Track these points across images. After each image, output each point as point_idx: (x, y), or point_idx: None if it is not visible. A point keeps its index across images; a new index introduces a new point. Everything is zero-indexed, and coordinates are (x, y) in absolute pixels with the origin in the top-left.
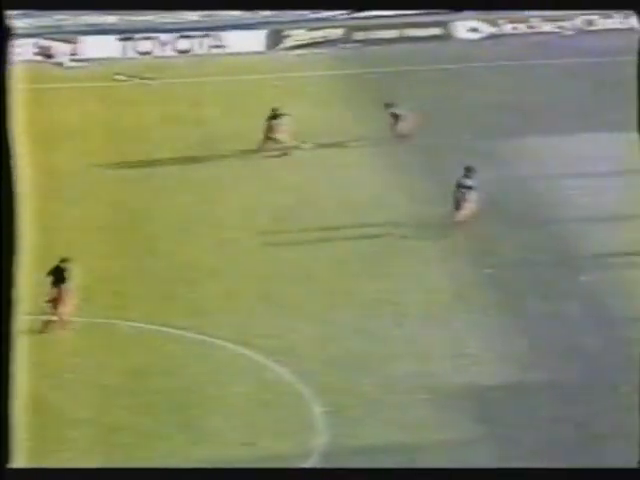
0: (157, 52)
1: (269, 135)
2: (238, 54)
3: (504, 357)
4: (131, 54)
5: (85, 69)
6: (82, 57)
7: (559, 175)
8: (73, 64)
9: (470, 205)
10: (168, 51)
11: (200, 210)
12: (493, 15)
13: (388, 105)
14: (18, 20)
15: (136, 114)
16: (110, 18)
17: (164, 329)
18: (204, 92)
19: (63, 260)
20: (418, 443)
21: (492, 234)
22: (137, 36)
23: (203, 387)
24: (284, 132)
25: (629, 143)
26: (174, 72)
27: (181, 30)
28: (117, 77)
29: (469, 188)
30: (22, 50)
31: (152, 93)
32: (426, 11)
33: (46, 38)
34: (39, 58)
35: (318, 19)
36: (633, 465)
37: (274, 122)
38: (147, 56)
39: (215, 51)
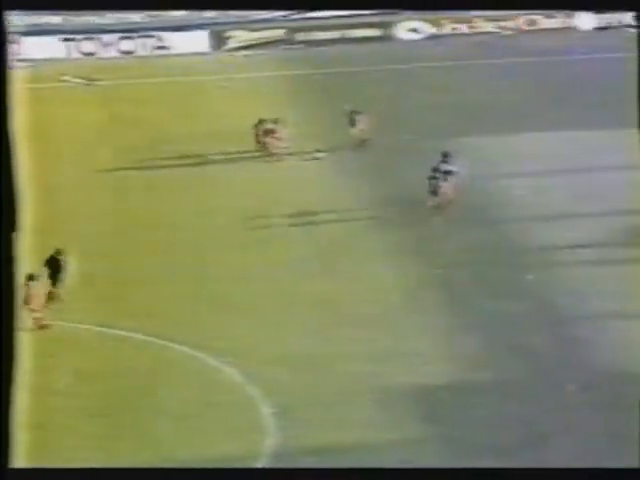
0: (101, 53)
1: (259, 141)
2: (182, 55)
3: (452, 357)
4: (75, 55)
5: (29, 70)
6: (25, 57)
7: (503, 174)
8: (15, 65)
9: (446, 190)
10: (112, 52)
11: (147, 212)
12: (435, 15)
13: (347, 109)
14: None
15: (82, 115)
16: (53, 18)
17: (113, 331)
18: (149, 93)
19: (58, 252)
20: (367, 443)
21: (439, 234)
22: (79, 37)
23: (152, 389)
24: (275, 139)
25: (571, 141)
26: (119, 73)
27: (123, 31)
28: (63, 78)
29: (447, 173)
30: None
31: (98, 94)
32: (368, 12)
33: None
34: None
35: (260, 20)
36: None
37: (262, 128)
38: (91, 57)
39: (159, 52)
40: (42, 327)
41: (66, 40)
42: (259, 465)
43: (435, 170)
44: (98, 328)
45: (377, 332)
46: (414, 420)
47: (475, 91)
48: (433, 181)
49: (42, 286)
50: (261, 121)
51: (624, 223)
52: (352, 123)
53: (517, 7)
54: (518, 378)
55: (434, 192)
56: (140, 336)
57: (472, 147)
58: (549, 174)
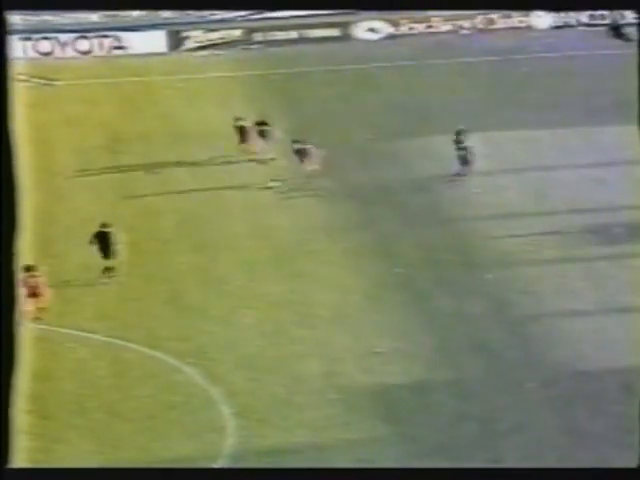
0: (58, 53)
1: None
2: (140, 55)
3: (411, 356)
4: (31, 54)
5: None
6: None
7: (457, 174)
8: None
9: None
10: (69, 52)
11: (102, 213)
12: (394, 15)
13: (295, 142)
14: None
15: (37, 115)
16: (11, 18)
17: (71, 332)
18: (106, 93)
19: (104, 224)
20: (326, 443)
21: (396, 234)
22: (36, 36)
23: (110, 390)
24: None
25: (526, 140)
26: (76, 73)
27: (80, 31)
28: (19, 77)
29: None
30: None
31: (53, 94)
32: (326, 12)
33: None
34: None
35: (216, 20)
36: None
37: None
38: (49, 57)
39: (116, 52)
40: (37, 319)
41: (23, 39)
42: (218, 465)
43: (458, 142)
44: (55, 329)
45: (336, 332)
46: (373, 419)
47: (430, 91)
48: (462, 152)
49: (42, 277)
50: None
51: (581, 221)
52: (301, 158)
53: (574, 8)
54: (477, 377)
55: (465, 162)
56: (99, 337)
57: (428, 147)
58: (505, 172)
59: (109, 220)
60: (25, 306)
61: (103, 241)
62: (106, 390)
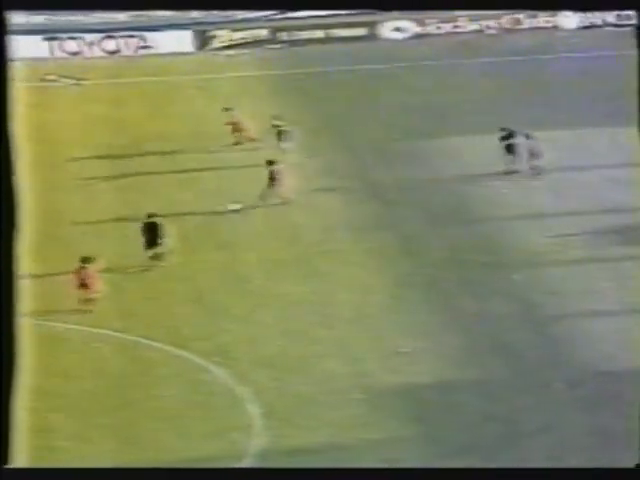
0: (86, 53)
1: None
2: (166, 55)
3: (436, 356)
4: (58, 54)
5: (12, 69)
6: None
7: (487, 174)
8: None
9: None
10: (96, 51)
11: (126, 213)
12: (420, 15)
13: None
14: None
15: (63, 115)
16: (35, 18)
17: (97, 331)
18: (131, 93)
19: (151, 214)
20: (351, 443)
21: (421, 234)
22: (63, 36)
23: (135, 389)
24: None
25: (553, 141)
26: (103, 73)
27: (107, 30)
28: (47, 77)
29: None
30: None
31: (81, 94)
32: (352, 11)
33: None
34: None
35: (243, 20)
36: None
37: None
38: (76, 57)
39: (143, 52)
40: (85, 310)
41: (49, 39)
42: (244, 465)
43: (505, 137)
44: (81, 328)
45: (360, 332)
46: (398, 419)
47: (455, 91)
48: (510, 145)
49: (96, 268)
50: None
51: (607, 221)
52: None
53: (575, 8)
54: (502, 377)
55: (512, 152)
56: (126, 336)
57: (454, 147)
58: (529, 173)
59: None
60: (78, 296)
61: (151, 231)
62: (130, 389)
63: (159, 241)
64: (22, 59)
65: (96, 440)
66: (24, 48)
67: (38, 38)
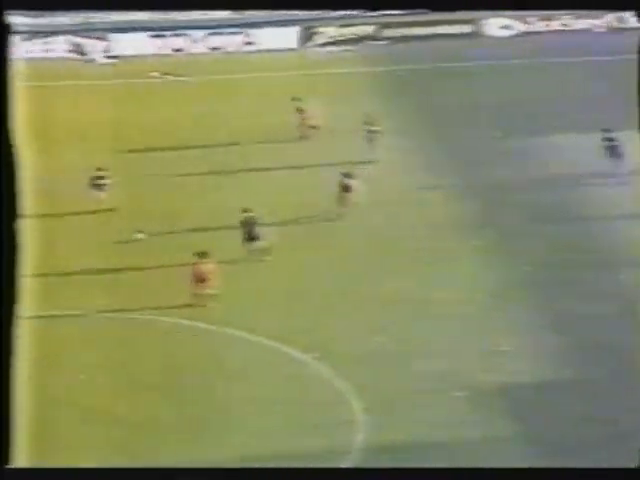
0: (190, 49)
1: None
2: (270, 51)
3: (536, 355)
4: (163, 51)
5: (117, 66)
6: (114, 54)
7: (591, 173)
8: (106, 61)
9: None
10: (200, 48)
11: (231, 207)
12: (522, 13)
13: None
14: (51, 18)
15: (169, 111)
16: (141, 15)
17: (200, 325)
18: (236, 89)
19: (246, 209)
20: (452, 441)
21: (526, 233)
22: (168, 33)
23: (239, 383)
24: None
25: None
26: (207, 69)
27: (212, 27)
28: (151, 74)
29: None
30: (55, 47)
31: (185, 90)
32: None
33: (78, 35)
34: (72, 55)
35: (348, 16)
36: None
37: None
38: (180, 53)
39: (247, 48)
40: (202, 305)
41: (155, 37)
42: (348, 461)
43: (608, 138)
44: (184, 322)
45: (461, 330)
46: (497, 418)
47: (562, 88)
48: (612, 145)
49: (212, 264)
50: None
51: None
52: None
53: (577, 7)
54: (603, 378)
55: (615, 154)
56: (229, 330)
57: (556, 145)
58: (636, 172)
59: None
60: (193, 291)
61: (249, 226)
62: (231, 383)
63: (258, 236)
64: (127, 56)
65: (200, 434)
66: (129, 45)
67: (144, 35)
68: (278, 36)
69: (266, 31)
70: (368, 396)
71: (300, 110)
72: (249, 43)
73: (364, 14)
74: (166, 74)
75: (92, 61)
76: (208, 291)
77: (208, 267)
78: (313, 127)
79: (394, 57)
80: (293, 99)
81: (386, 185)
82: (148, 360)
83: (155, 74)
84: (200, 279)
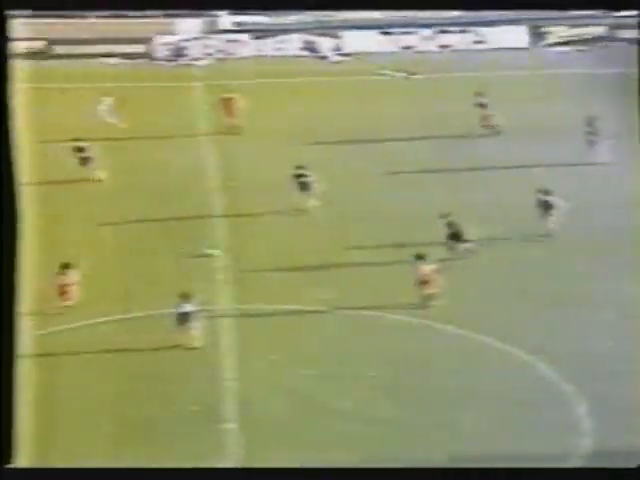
0: (419, 47)
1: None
2: (500, 50)
3: None
4: (393, 49)
5: (349, 63)
6: (346, 51)
7: None
8: (337, 58)
9: None
10: (430, 46)
11: (431, 206)
12: None
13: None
14: (284, 17)
15: (397, 107)
16: (372, 14)
17: (426, 322)
18: (464, 87)
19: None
20: None
21: None
22: (397, 31)
23: (459, 382)
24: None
25: None
26: (435, 67)
27: (441, 25)
28: (381, 71)
29: None
30: (287, 45)
31: (413, 87)
32: None
33: (311, 33)
34: (304, 53)
35: (579, 16)
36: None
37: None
38: (409, 51)
39: (476, 47)
40: (426, 305)
41: (384, 34)
42: (569, 465)
43: None
44: (411, 319)
45: None
46: None
47: None
48: None
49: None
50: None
51: None
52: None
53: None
54: None
55: None
56: (451, 328)
57: None
58: None
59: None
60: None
61: (453, 226)
62: (456, 382)
63: (462, 237)
64: (357, 54)
65: (423, 432)
66: (359, 43)
67: (374, 32)
68: (509, 35)
69: (496, 30)
70: (592, 400)
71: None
72: (479, 42)
73: (595, 14)
74: (395, 71)
75: (324, 58)
76: (430, 291)
77: (429, 268)
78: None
79: (629, 59)
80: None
81: (611, 187)
82: (373, 356)
83: (385, 71)
84: (423, 281)
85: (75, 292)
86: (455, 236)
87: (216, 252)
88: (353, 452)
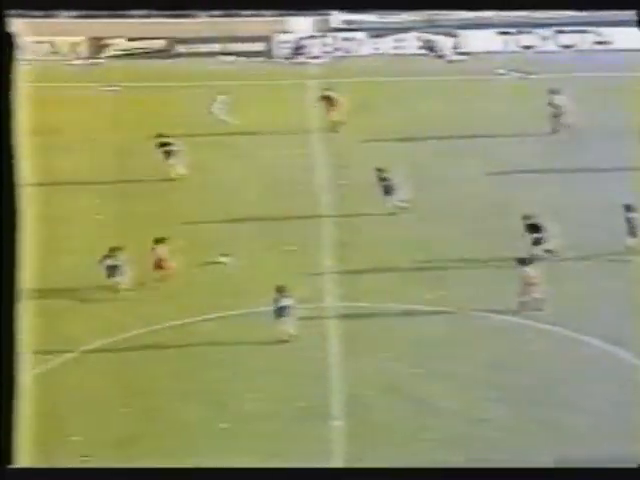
0: (540, 47)
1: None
2: (624, 51)
3: None
4: (512, 48)
5: (467, 62)
6: (464, 50)
7: None
8: (456, 57)
9: None
10: (550, 46)
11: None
12: None
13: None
14: (402, 15)
15: (511, 107)
16: (487, 13)
17: (528, 322)
18: (584, 88)
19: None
20: None
21: None
22: (515, 30)
23: (566, 384)
24: None
25: None
26: (553, 67)
27: (560, 25)
28: (497, 71)
29: None
30: (406, 44)
31: (529, 87)
32: None
33: (428, 32)
34: (422, 51)
35: None
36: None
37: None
38: (529, 50)
39: (598, 47)
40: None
41: (502, 33)
42: None
43: None
44: (512, 319)
45: None
46: None
47: None
48: None
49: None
50: None
51: None
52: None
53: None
54: None
55: None
56: (559, 329)
57: None
58: None
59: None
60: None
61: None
62: (562, 384)
63: (542, 240)
64: (476, 53)
65: (526, 433)
66: (478, 42)
67: (492, 32)
68: (632, 36)
69: (621, 30)
70: None
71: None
72: (601, 42)
73: None
74: (512, 71)
75: (442, 57)
76: (535, 295)
77: (533, 272)
78: None
79: None
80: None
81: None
82: (480, 356)
83: (501, 71)
84: (528, 283)
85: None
86: (540, 238)
87: (226, 260)
88: (459, 452)
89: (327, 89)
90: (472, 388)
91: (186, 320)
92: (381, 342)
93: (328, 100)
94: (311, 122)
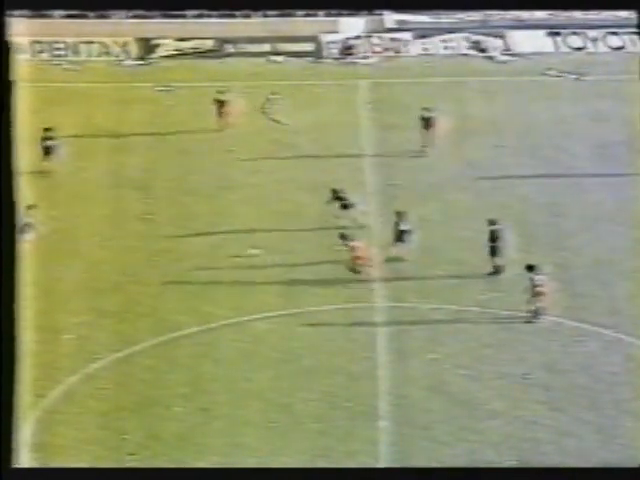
0: (590, 48)
1: None
2: None
3: None
4: (562, 49)
5: (516, 63)
6: (513, 51)
7: None
8: (504, 58)
9: None
10: (600, 47)
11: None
12: None
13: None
14: (451, 16)
15: (554, 109)
16: (537, 14)
17: (581, 325)
18: (629, 90)
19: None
20: None
21: None
22: (565, 31)
23: (618, 386)
24: None
25: None
26: (605, 69)
27: (610, 26)
28: (547, 72)
29: None
30: (454, 44)
31: (580, 89)
32: None
33: (477, 33)
34: (471, 52)
35: None
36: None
37: None
38: (580, 52)
39: None
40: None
41: (551, 34)
42: None
43: None
44: (565, 321)
45: None
46: None
47: None
48: None
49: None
50: None
51: None
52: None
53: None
54: None
55: None
56: (609, 332)
57: None
58: None
59: None
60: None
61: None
62: (617, 386)
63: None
64: (525, 54)
65: (577, 436)
66: (527, 43)
67: (541, 33)
68: None
69: None
70: None
71: None
72: None
73: None
74: (563, 72)
75: (491, 58)
76: (543, 304)
77: (544, 279)
78: None
79: None
80: None
81: None
82: (528, 358)
83: (551, 72)
84: (537, 293)
85: None
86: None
87: (257, 252)
88: (506, 453)
89: (221, 92)
90: (520, 389)
91: (240, 319)
92: (430, 343)
93: (220, 104)
94: (365, 123)
